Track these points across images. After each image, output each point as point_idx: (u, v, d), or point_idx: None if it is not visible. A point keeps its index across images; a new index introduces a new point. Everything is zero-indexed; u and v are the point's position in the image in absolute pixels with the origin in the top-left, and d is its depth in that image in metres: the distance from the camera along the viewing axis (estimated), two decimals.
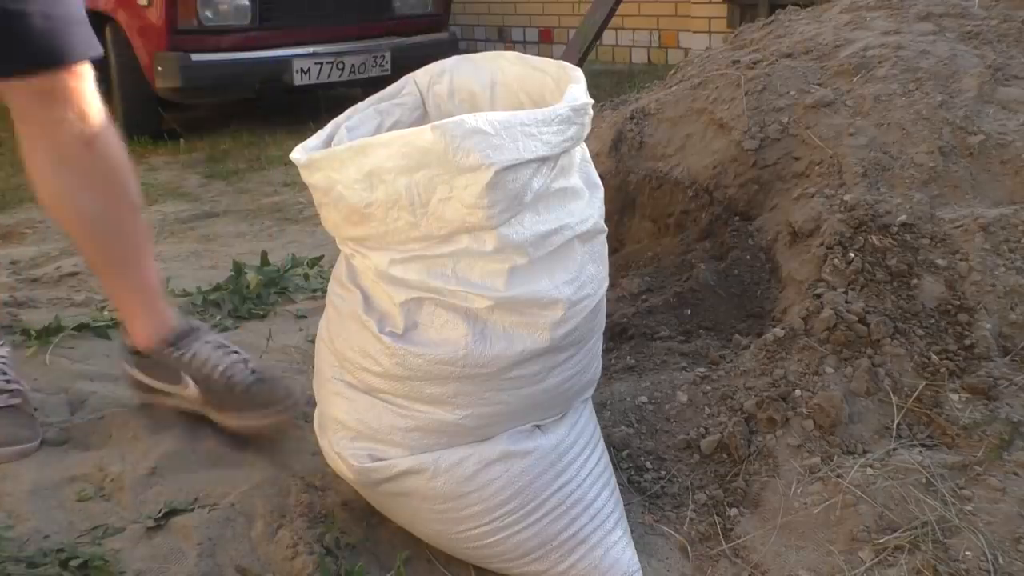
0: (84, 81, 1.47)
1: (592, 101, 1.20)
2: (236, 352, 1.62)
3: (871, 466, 1.39)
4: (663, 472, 1.49)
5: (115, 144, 1.55)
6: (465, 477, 1.19)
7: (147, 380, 1.63)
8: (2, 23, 1.38)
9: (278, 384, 1.58)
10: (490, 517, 1.21)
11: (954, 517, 1.29)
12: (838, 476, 1.38)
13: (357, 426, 1.23)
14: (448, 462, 1.19)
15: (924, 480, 1.34)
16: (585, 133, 1.19)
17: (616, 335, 1.85)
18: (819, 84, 2.05)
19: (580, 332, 1.20)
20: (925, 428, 1.47)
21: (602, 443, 1.36)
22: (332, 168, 1.11)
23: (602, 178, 2.25)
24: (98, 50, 1.51)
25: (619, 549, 1.28)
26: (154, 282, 1.64)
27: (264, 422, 1.53)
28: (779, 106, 2.02)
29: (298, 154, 1.17)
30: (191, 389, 1.58)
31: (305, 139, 1.23)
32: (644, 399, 1.61)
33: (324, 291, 2.02)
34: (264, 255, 2.61)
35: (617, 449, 1.53)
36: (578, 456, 1.27)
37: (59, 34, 1.41)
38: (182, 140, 4.85)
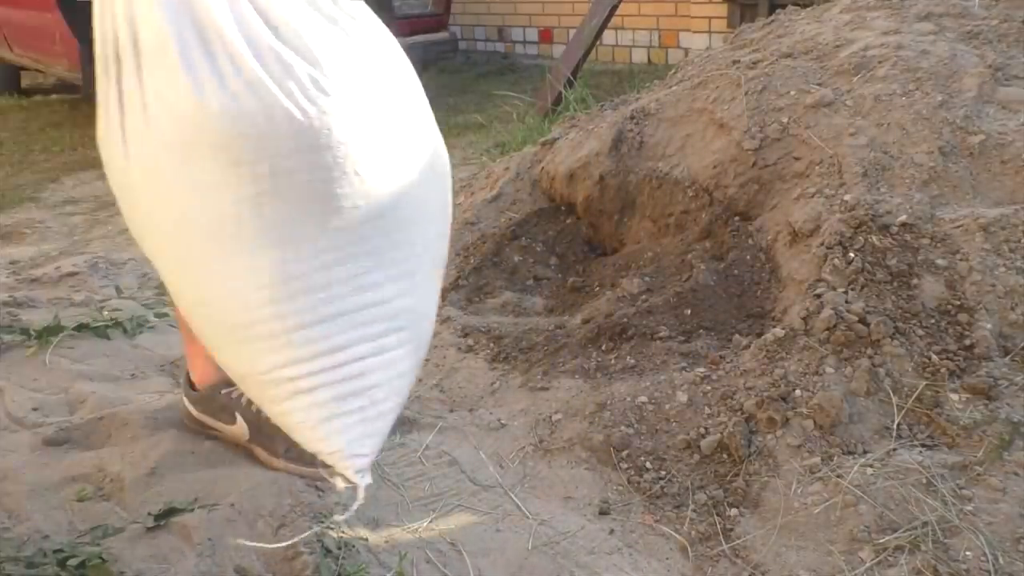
0: None
1: None
2: None
3: (871, 466, 1.38)
4: (663, 472, 1.49)
5: None
6: None
7: (199, 415, 1.62)
8: None
9: None
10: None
11: (954, 517, 1.28)
12: (838, 476, 1.38)
13: None
14: None
15: (924, 480, 1.34)
16: None
17: (616, 335, 1.85)
18: (819, 84, 2.05)
19: None
20: (925, 428, 1.47)
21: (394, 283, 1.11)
22: None
23: (602, 178, 2.27)
24: None
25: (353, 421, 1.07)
26: None
27: (304, 471, 1.51)
28: (779, 106, 2.02)
29: None
30: (242, 429, 1.57)
31: None
32: (644, 399, 1.61)
33: None
34: None
35: (617, 449, 1.53)
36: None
37: None
38: None
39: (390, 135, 1.05)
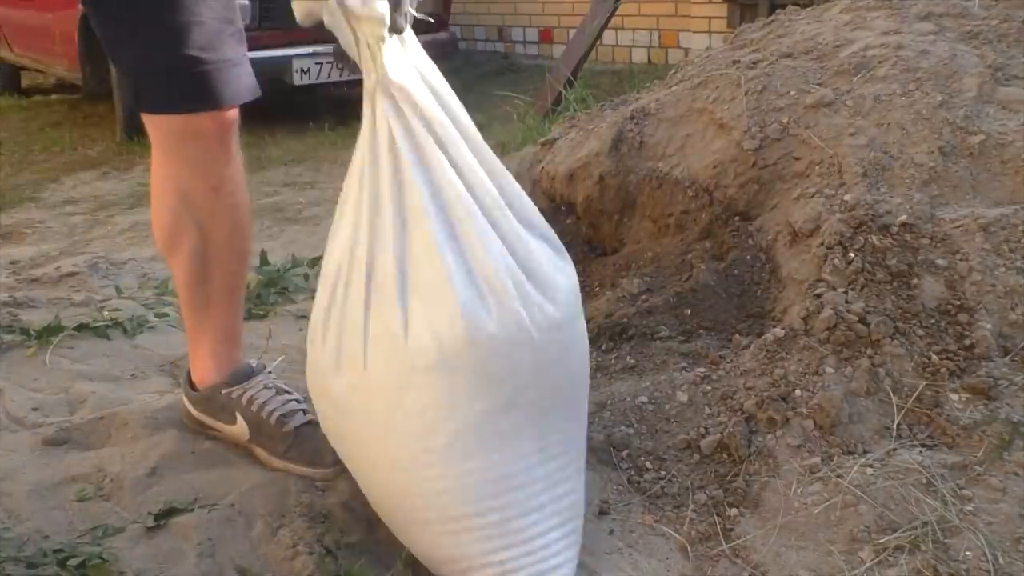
0: (226, 125, 1.46)
1: None
2: (289, 392, 1.60)
3: (871, 466, 1.38)
4: (663, 472, 1.49)
5: (241, 191, 1.53)
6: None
7: (199, 415, 1.63)
8: (155, 64, 1.38)
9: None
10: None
11: (954, 517, 1.28)
12: (838, 476, 1.38)
13: None
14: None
15: (924, 480, 1.34)
16: None
17: (616, 335, 1.85)
18: (819, 84, 2.05)
19: None
20: (925, 428, 1.47)
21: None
22: None
23: (602, 178, 2.27)
24: (251, 95, 1.48)
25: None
26: (231, 328, 1.61)
27: (304, 471, 1.50)
28: (779, 106, 2.02)
29: None
30: (242, 429, 1.57)
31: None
32: (644, 399, 1.61)
33: None
34: (264, 255, 2.61)
35: (617, 449, 1.53)
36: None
37: (210, 78, 1.40)
38: None
39: (580, 349, 1.29)
